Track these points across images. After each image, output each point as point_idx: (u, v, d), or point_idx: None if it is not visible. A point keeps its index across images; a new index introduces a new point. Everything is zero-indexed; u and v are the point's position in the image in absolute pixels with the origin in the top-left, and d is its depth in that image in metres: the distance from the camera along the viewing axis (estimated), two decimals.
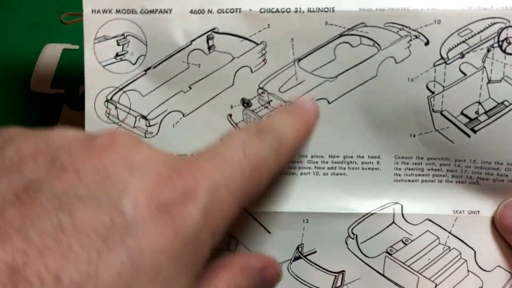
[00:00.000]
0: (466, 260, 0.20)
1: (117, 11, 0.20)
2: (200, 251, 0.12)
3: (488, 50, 0.19)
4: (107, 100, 0.20)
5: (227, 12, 0.20)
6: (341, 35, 0.20)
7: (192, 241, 0.11)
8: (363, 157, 0.20)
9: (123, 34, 0.20)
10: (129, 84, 0.20)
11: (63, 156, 0.11)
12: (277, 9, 0.20)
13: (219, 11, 0.20)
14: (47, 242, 0.10)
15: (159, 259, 0.11)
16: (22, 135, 0.12)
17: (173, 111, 0.21)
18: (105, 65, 0.20)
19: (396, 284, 0.20)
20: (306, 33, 0.20)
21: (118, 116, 0.20)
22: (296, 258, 0.20)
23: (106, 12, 0.20)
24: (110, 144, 0.12)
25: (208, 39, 0.20)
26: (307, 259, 0.20)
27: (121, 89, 0.20)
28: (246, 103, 0.21)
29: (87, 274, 0.10)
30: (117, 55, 0.20)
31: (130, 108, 0.20)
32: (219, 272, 0.14)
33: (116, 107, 0.20)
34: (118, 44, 0.20)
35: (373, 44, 0.20)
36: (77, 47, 0.28)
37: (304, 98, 0.19)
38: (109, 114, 0.20)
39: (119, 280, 0.10)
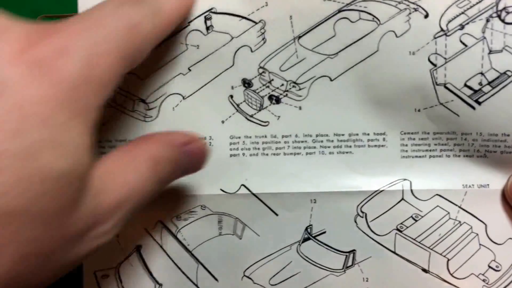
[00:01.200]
0: (477, 234, 0.20)
1: None
2: (88, 101, 0.13)
3: (487, 20, 0.19)
4: None
5: None
6: (340, 11, 0.20)
7: (75, 91, 0.12)
8: (368, 134, 0.20)
9: None
10: None
11: None
12: None
13: None
14: None
15: (44, 107, 0.12)
16: None
17: (172, 94, 0.20)
18: None
19: (408, 260, 0.20)
20: (305, 9, 0.20)
21: (115, 99, 0.20)
22: (305, 240, 0.20)
23: None
24: None
25: (206, 19, 0.20)
26: (317, 239, 0.20)
27: None
28: (247, 83, 0.20)
29: None
30: None
31: (128, 92, 0.20)
32: (139, 143, 0.15)
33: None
34: None
35: (373, 18, 0.20)
36: None
37: None
38: None
39: (9, 125, 0.11)
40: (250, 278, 0.20)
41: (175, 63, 0.20)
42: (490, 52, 0.19)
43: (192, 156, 0.16)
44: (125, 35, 0.14)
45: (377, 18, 0.20)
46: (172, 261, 0.20)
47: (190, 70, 0.20)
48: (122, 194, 0.14)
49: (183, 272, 0.20)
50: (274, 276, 0.20)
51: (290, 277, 0.20)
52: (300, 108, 0.20)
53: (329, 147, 0.20)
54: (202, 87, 0.20)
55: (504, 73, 0.19)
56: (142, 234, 0.20)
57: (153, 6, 0.15)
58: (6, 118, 0.11)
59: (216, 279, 0.20)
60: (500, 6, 0.19)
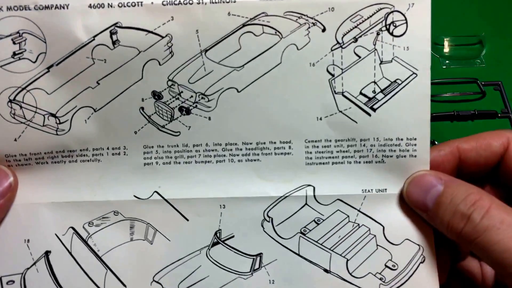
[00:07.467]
0: (375, 236, 0.21)
1: (8, 9, 0.19)
2: None
3: (378, 34, 0.20)
4: (10, 101, 0.20)
5: (129, 6, 0.20)
6: (244, 25, 0.20)
7: None
8: (275, 142, 0.21)
9: (18, 32, 0.20)
10: (32, 82, 0.20)
11: None
12: (180, 1, 0.20)
13: (120, 5, 0.20)
14: None
15: None
16: None
17: (83, 107, 0.20)
18: (3, 65, 0.20)
19: (310, 262, 0.21)
20: (210, 24, 0.20)
21: (24, 115, 0.20)
22: (214, 244, 0.21)
23: None
24: None
25: (111, 34, 0.20)
26: (225, 243, 0.21)
27: (24, 88, 0.20)
28: (157, 95, 0.21)
29: None
30: (14, 54, 0.20)
31: (36, 107, 0.20)
32: None
33: (21, 107, 0.20)
34: (14, 43, 0.20)
35: (275, 32, 0.21)
36: None
37: None
38: (14, 114, 0.20)
39: None
40: (159, 283, 0.21)
41: (83, 77, 0.20)
42: (381, 62, 0.21)
43: None
44: None
45: (279, 32, 0.21)
46: (80, 266, 0.20)
47: (98, 83, 0.20)
48: None
49: (90, 278, 0.20)
50: (183, 280, 0.21)
51: (199, 281, 0.21)
52: (209, 118, 0.21)
53: (238, 155, 0.21)
54: (112, 99, 0.21)
55: (395, 81, 0.21)
56: (52, 239, 0.20)
57: None
58: None
59: (124, 285, 0.20)
60: (389, 20, 0.20)
